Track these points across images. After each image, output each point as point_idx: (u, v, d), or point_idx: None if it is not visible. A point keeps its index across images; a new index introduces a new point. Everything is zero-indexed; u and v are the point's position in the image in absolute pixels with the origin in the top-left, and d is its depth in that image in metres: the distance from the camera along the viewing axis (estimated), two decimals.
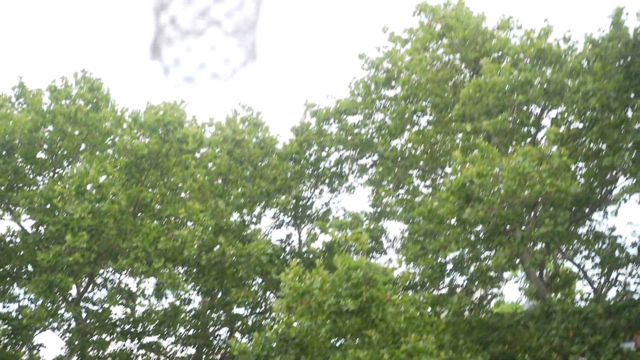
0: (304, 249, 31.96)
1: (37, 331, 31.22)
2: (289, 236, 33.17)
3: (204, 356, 34.44)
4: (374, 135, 30.31)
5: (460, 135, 30.60)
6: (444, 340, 23.59)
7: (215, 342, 34.73)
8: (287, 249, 32.61)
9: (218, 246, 29.83)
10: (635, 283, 29.94)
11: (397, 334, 21.52)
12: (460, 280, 29.08)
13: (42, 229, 30.49)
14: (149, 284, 48.60)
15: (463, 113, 27.04)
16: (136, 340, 33.37)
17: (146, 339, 33.71)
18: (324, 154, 31.55)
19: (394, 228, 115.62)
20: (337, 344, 23.29)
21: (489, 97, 26.06)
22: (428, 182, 32.39)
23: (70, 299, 31.39)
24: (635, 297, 26.49)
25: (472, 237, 27.19)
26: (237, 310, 34.09)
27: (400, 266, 25.03)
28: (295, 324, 22.45)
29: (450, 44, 29.20)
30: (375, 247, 30.06)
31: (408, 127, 30.31)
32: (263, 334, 22.89)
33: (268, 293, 33.04)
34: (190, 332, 34.24)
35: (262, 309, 33.94)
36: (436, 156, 30.94)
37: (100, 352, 31.70)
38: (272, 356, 22.33)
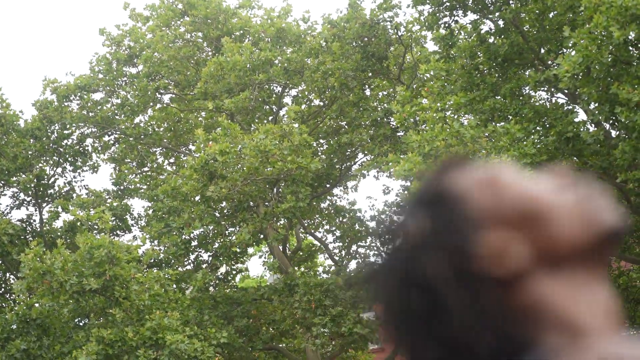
0: (45, 229, 31.19)
1: None
2: (29, 216, 32.26)
3: None
4: (117, 113, 29.94)
5: (203, 113, 30.75)
6: (189, 317, 23.72)
7: None
8: (29, 229, 31.71)
9: None
10: (373, 255, 31.17)
11: (141, 311, 21.46)
12: (205, 256, 29.32)
13: None
14: None
15: (205, 91, 27.20)
16: None
17: None
18: (66, 131, 30.86)
19: (138, 206, 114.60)
20: (81, 324, 22.98)
21: (230, 75, 26.33)
22: (172, 160, 32.39)
23: None
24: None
25: (216, 214, 27.43)
26: None
27: (144, 244, 24.92)
28: (36, 305, 21.96)
29: (192, 22, 29.26)
30: (119, 225, 29.76)
31: (151, 104, 30.15)
32: (3, 315, 22.25)
33: (8, 275, 32.03)
34: None
35: (2, 290, 32.87)
36: (180, 134, 30.96)
37: None
38: (12, 338, 21.75)
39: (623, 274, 29.03)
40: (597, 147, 20.53)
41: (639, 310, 29.16)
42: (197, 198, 25.58)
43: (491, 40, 21.53)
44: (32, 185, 30.37)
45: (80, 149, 30.25)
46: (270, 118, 29.39)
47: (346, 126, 29.03)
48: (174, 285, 25.00)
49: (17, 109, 33.11)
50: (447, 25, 22.30)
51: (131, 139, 29.93)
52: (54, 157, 30.96)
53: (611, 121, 19.30)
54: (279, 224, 29.16)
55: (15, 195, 31.61)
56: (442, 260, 1.53)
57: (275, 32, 28.53)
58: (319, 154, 29.92)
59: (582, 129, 19.86)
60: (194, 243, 28.06)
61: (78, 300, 20.83)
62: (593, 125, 20.73)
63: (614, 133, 20.86)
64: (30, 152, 30.34)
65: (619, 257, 25.86)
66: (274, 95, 29.47)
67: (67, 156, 30.78)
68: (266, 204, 26.99)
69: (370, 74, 27.29)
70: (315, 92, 28.86)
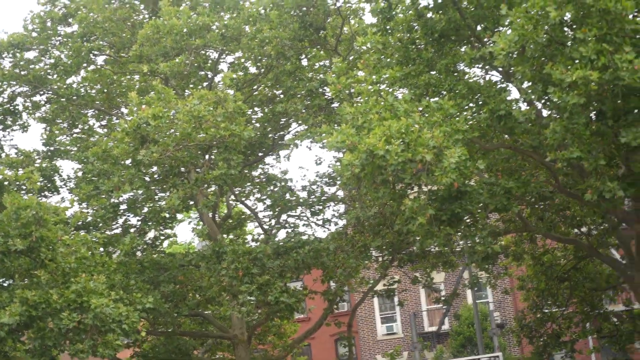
0: None
1: None
2: None
3: None
4: (49, 72, 29.48)
5: (137, 76, 30.44)
6: (115, 280, 23.58)
7: None
8: None
9: None
10: (303, 225, 31.28)
11: (67, 274, 21.25)
12: (134, 220, 29.13)
13: None
14: None
15: (140, 54, 26.90)
16: None
17: None
18: None
19: (68, 167, 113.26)
20: (5, 284, 22.69)
21: (166, 39, 26.07)
22: (104, 122, 32.03)
23: None
24: (303, 238, 27.64)
25: (147, 179, 27.25)
26: None
27: (72, 206, 24.66)
28: None
29: None
30: (48, 186, 29.37)
31: (84, 65, 29.74)
32: None
33: None
34: None
35: None
36: (112, 96, 30.60)
37: None
38: None
39: (548, 252, 29.53)
40: (528, 126, 20.75)
41: (562, 288, 29.72)
42: (128, 162, 25.38)
43: (429, 15, 21.56)
44: None
45: (11, 107, 29.73)
46: (205, 84, 29.19)
47: (281, 95, 28.98)
48: (101, 249, 24.82)
49: None
50: None
51: (63, 99, 29.51)
52: None
53: (543, 101, 19.48)
54: (209, 190, 29.06)
55: None
56: None
57: None
58: (253, 122, 29.83)
59: (514, 108, 20.02)
60: (123, 207, 27.87)
61: (3, 261, 20.55)
62: (525, 104, 20.93)
63: (545, 113, 21.08)
64: None
65: (545, 236, 26.26)
66: (210, 61, 29.27)
67: None
68: (197, 170, 26.88)
69: (307, 44, 27.23)
70: (252, 59, 28.72)
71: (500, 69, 20.94)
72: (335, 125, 23.37)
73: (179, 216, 31.49)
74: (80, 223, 26.61)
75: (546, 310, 30.39)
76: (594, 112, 19.38)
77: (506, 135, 22.62)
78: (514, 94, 41.97)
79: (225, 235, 30.36)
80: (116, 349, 21.45)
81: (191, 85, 28.82)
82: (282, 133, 30.79)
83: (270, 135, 30.12)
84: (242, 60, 29.44)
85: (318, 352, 47.01)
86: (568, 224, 27.05)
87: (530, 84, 18.84)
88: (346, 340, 31.64)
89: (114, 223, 28.50)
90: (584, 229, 27.45)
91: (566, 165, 19.93)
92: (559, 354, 32.49)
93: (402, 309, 42.30)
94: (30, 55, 29.61)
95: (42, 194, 28.86)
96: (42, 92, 29.90)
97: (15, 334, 21.19)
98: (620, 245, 26.28)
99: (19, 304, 20.10)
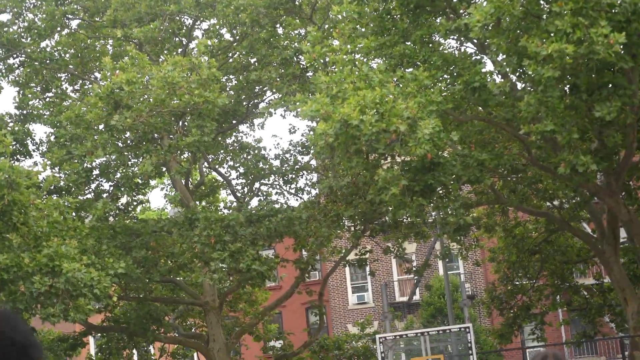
0: None
1: None
2: None
3: None
4: (23, 36, 29.21)
5: (111, 41, 30.22)
6: (87, 245, 23.53)
7: None
8: None
9: None
10: (276, 193, 31.31)
11: (39, 238, 21.20)
12: (106, 186, 29.03)
13: None
14: None
15: (115, 19, 26.72)
16: None
17: None
18: None
19: (40, 131, 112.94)
20: None
21: (141, 4, 25.90)
22: (77, 87, 31.81)
23: None
24: (276, 206, 27.67)
25: (120, 144, 27.12)
26: None
27: (45, 170, 24.53)
28: None
29: None
30: (20, 150, 29.18)
31: (58, 29, 29.48)
32: None
33: None
34: None
35: None
36: (86, 61, 30.37)
37: None
38: None
39: (520, 224, 29.69)
40: (502, 98, 20.81)
41: (533, 260, 29.92)
42: (101, 127, 25.24)
43: None
44: None
45: None
46: (179, 50, 29.04)
47: (255, 63, 28.88)
48: (73, 214, 24.73)
49: None
50: None
51: (36, 63, 29.27)
52: None
53: (518, 73, 19.53)
54: (182, 157, 29.00)
55: None
56: None
57: None
58: (227, 89, 29.72)
59: (489, 80, 20.06)
60: (96, 172, 27.75)
61: None
62: (500, 76, 20.99)
63: (520, 85, 21.14)
64: None
65: (517, 208, 26.42)
66: (185, 28, 29.11)
67: None
68: (171, 136, 26.78)
69: (282, 12, 27.13)
70: (227, 27, 28.59)
71: (475, 40, 20.97)
72: (310, 94, 23.33)
73: (152, 182, 31.45)
74: (52, 187, 26.47)
75: (517, 283, 30.60)
76: (569, 86, 19.47)
77: (480, 108, 22.70)
78: (489, 66, 42.00)
79: (197, 203, 30.33)
80: (87, 314, 21.46)
81: (165, 52, 28.65)
82: (256, 101, 30.72)
83: (244, 103, 30.04)
84: (217, 27, 29.29)
85: (289, 320, 47.19)
86: (540, 197, 27.22)
87: (505, 56, 18.88)
88: (317, 309, 31.77)
89: (87, 188, 28.39)
90: (556, 202, 27.62)
91: (539, 138, 20.05)
92: (529, 326, 32.74)
93: (374, 278, 42.49)
94: (4, 18, 29.41)
95: (14, 157, 28.69)
96: (15, 56, 29.64)
97: None
98: (591, 219, 26.50)
99: None
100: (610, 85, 19.04)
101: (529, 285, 30.45)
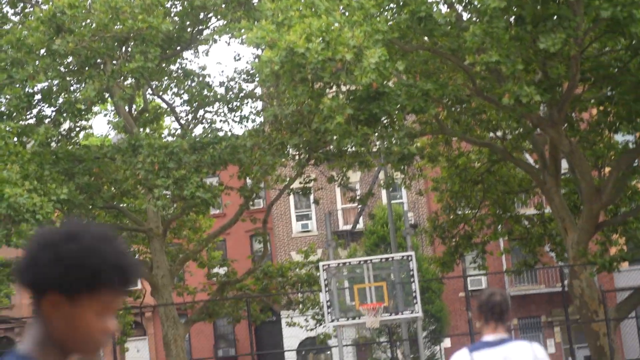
0: None
1: None
2: None
3: None
4: None
5: None
6: (29, 171, 23.30)
7: None
8: None
9: None
10: (220, 121, 31.15)
11: None
12: (49, 111, 28.66)
13: None
14: None
15: None
16: None
17: None
18: None
19: None
20: None
21: None
22: (18, 10, 31.17)
23: None
24: (220, 134, 27.54)
25: (62, 69, 26.74)
26: None
27: None
28: None
29: None
30: None
31: None
32: None
33: None
34: None
35: None
36: None
37: None
38: None
39: (463, 154, 29.89)
40: (448, 28, 20.82)
41: (475, 190, 30.20)
42: (43, 51, 24.84)
43: None
44: None
45: None
46: None
47: None
48: (15, 139, 24.43)
49: None
50: None
51: None
52: None
53: (464, 4, 19.56)
54: (126, 83, 28.67)
55: None
56: None
57: None
58: (171, 15, 29.30)
59: (434, 10, 20.03)
60: (38, 97, 27.35)
61: None
62: (446, 6, 20.97)
63: (465, 16, 21.16)
64: None
65: (460, 138, 26.59)
66: None
67: None
68: (114, 62, 26.44)
69: None
70: None
71: None
72: (255, 21, 23.13)
73: (95, 108, 31.07)
74: None
75: (459, 212, 30.89)
76: (514, 17, 19.53)
77: (426, 37, 22.68)
78: None
79: (141, 129, 30.09)
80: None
81: None
82: (200, 27, 30.33)
83: (188, 30, 29.66)
84: None
85: (233, 247, 47.36)
86: (484, 128, 27.40)
87: None
88: (261, 236, 31.88)
89: (28, 113, 27.98)
90: (499, 133, 27.83)
91: (484, 69, 20.13)
92: (471, 255, 33.16)
93: (318, 207, 42.72)
94: None
95: None
96: None
97: None
98: (534, 150, 26.79)
99: None
100: (555, 17, 19.13)
101: (471, 215, 30.77)
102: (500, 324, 6.97)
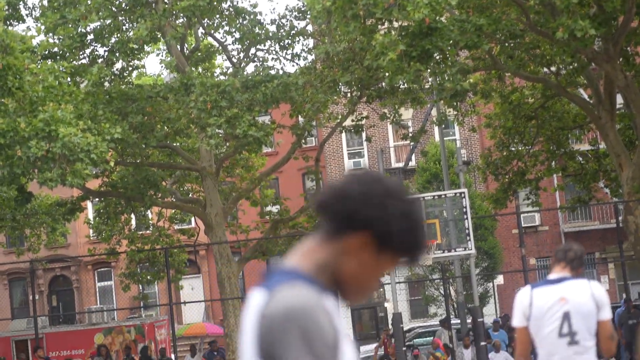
0: None
1: None
2: None
3: None
4: None
5: None
6: (83, 110, 23.48)
7: None
8: None
9: None
10: (272, 59, 31.09)
11: (35, 102, 21.14)
12: (101, 51, 28.80)
13: None
14: None
15: None
16: None
17: None
18: None
19: None
20: None
21: None
22: None
23: None
24: (272, 72, 27.50)
25: (114, 8, 26.82)
26: None
27: (39, 35, 24.30)
28: None
29: None
30: (13, 14, 28.84)
31: None
32: None
33: None
34: None
35: None
36: None
37: None
38: None
39: (516, 90, 29.60)
40: None
41: (529, 126, 29.94)
42: None
43: None
44: None
45: None
46: None
47: None
48: (69, 78, 24.61)
49: None
50: None
51: None
52: None
53: None
54: (177, 22, 28.68)
55: None
56: None
57: None
58: None
59: None
60: (90, 37, 27.49)
61: None
62: None
63: None
64: None
65: (513, 74, 26.32)
66: None
67: None
68: (165, 1, 26.46)
69: None
70: None
71: None
72: None
73: (147, 48, 31.12)
74: (46, 52, 26.29)
75: (512, 148, 30.65)
76: None
77: None
78: None
79: (193, 68, 30.15)
80: (85, 178, 21.58)
81: None
82: None
83: None
84: None
85: (285, 185, 47.55)
86: (537, 63, 27.04)
87: None
88: (313, 174, 31.95)
89: (81, 53, 28.17)
90: (553, 68, 27.47)
91: (538, 3, 19.83)
92: (524, 191, 32.95)
93: (370, 144, 42.60)
94: None
95: (7, 22, 28.37)
96: None
97: None
98: (588, 85, 26.41)
99: None
100: None
101: (524, 151, 30.53)
102: (569, 267, 7.38)
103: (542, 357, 7.38)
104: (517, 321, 7.46)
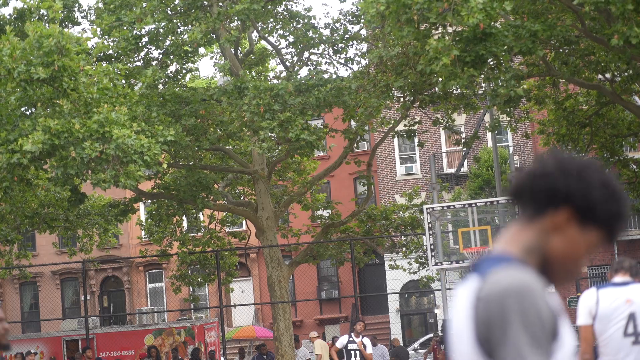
0: None
1: None
2: None
3: None
4: None
5: None
6: (137, 112, 23.66)
7: None
8: None
9: None
10: (325, 63, 31.12)
11: (89, 104, 21.35)
12: (156, 53, 29.02)
13: None
14: None
15: None
16: None
17: None
18: None
19: None
20: (28, 113, 22.86)
21: None
22: None
23: None
24: (325, 76, 27.51)
25: (169, 11, 27.01)
26: None
27: (94, 37, 24.54)
28: None
29: None
30: (69, 16, 29.18)
31: None
32: None
33: None
34: None
35: None
36: None
37: None
38: None
39: (570, 97, 29.34)
40: None
41: (582, 133, 29.65)
42: None
43: None
44: None
45: None
46: None
47: None
48: (123, 81, 24.82)
49: None
50: None
51: None
52: None
53: None
54: (232, 25, 28.82)
55: None
56: None
57: None
58: None
59: None
60: (145, 39, 27.71)
61: (25, 89, 20.61)
62: None
63: None
64: None
65: (568, 80, 26.08)
66: None
67: None
68: (220, 4, 26.59)
69: None
70: None
71: None
72: None
73: (201, 51, 31.33)
74: (101, 54, 26.56)
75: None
76: None
77: None
78: None
79: (247, 71, 30.28)
80: (138, 180, 21.73)
81: None
82: None
83: None
84: None
85: (337, 189, 47.59)
86: (592, 69, 26.78)
87: None
88: (365, 179, 31.91)
89: (136, 55, 28.42)
90: (607, 75, 27.19)
91: (593, 9, 19.62)
92: None
93: (422, 149, 42.57)
94: None
95: (63, 24, 28.70)
96: None
97: (38, 162, 21.49)
98: None
99: (42, 132, 20.28)
100: None
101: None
102: (629, 273, 7.83)
103: (606, 356, 7.65)
104: (582, 320, 7.74)
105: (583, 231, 2.65)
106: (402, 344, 30.66)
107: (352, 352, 20.99)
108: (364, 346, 21.43)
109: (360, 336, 21.42)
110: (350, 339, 21.11)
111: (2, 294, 50.80)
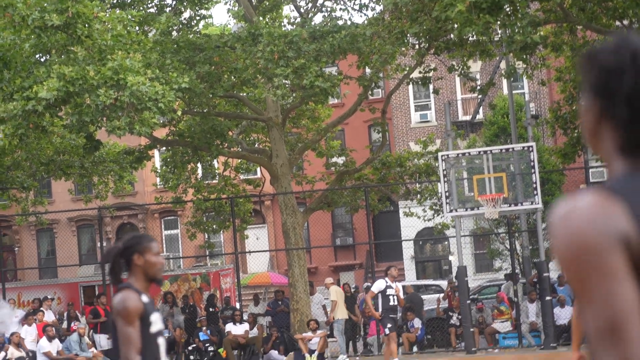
0: None
1: None
2: None
3: None
4: None
5: None
6: (151, 59, 23.60)
7: None
8: None
9: None
10: (340, 9, 30.94)
11: (103, 51, 21.29)
12: (169, 0, 28.86)
13: None
14: None
15: None
16: None
17: None
18: None
19: None
20: (42, 59, 22.83)
21: None
22: None
23: None
24: (339, 23, 27.33)
25: None
26: None
27: None
28: None
29: None
30: None
31: None
32: None
33: None
34: None
35: None
36: None
37: None
38: None
39: (588, 43, 29.07)
40: None
41: None
42: None
43: None
44: None
45: None
46: None
47: None
48: (137, 27, 24.71)
49: None
50: None
51: None
52: None
53: None
54: None
55: None
56: None
57: None
58: None
59: None
60: None
61: (40, 36, 20.56)
62: None
63: None
64: None
65: (585, 27, 25.84)
66: None
67: None
68: None
69: None
70: None
71: None
72: None
73: None
74: (115, 1, 26.43)
75: (582, 103, 30.19)
76: None
77: None
78: None
79: (261, 18, 30.09)
80: (152, 127, 21.75)
81: None
82: None
83: None
84: None
85: (351, 137, 47.48)
86: (610, 16, 26.49)
87: None
88: (380, 126, 31.82)
89: (150, 2, 28.27)
90: (625, 22, 26.91)
91: None
92: None
93: (437, 97, 42.30)
94: None
95: None
96: None
97: (53, 109, 21.49)
98: None
99: (57, 79, 20.26)
100: None
101: None
102: None
103: None
104: None
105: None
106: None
107: (391, 297, 21.18)
108: (400, 291, 21.73)
109: (395, 281, 21.63)
110: (388, 284, 21.26)
111: (19, 240, 51.17)
